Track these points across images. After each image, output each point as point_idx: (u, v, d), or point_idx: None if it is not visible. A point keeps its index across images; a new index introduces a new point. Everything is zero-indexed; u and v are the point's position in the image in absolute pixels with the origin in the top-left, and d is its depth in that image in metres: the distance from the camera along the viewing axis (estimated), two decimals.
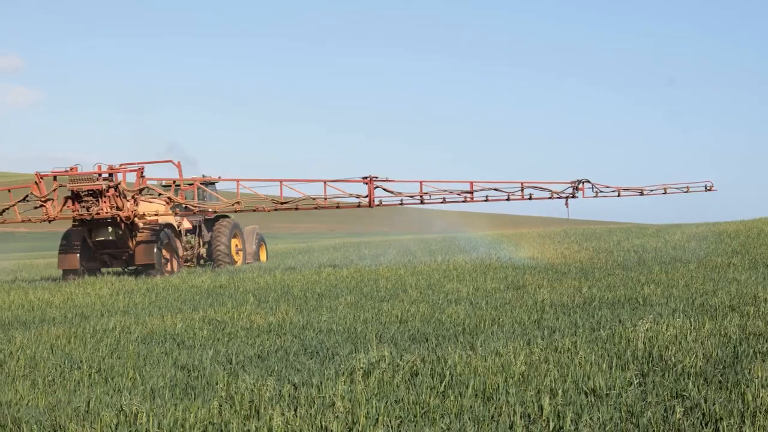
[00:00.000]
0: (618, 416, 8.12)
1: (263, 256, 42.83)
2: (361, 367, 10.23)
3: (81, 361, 12.30)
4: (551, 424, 7.98)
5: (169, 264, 34.53)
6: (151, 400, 9.34)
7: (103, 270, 35.05)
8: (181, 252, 36.15)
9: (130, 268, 34.83)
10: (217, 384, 10.03)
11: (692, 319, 13.12)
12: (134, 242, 33.56)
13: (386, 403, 8.69)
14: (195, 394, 9.71)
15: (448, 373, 9.91)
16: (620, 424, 7.93)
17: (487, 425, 7.98)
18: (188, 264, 37.79)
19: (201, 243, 38.69)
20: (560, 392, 8.86)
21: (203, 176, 36.86)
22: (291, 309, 17.26)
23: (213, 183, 37.54)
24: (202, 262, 38.84)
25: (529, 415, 8.25)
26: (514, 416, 8.20)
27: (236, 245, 39.48)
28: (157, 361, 12.19)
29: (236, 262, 38.84)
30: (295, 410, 8.61)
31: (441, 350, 11.42)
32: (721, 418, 7.90)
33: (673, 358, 10.33)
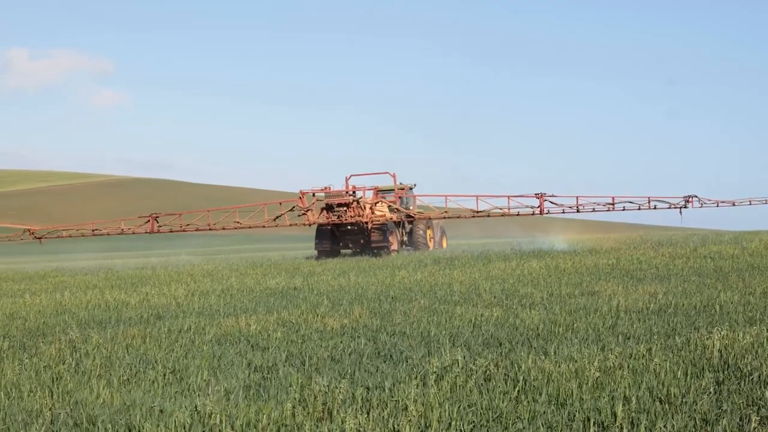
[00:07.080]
0: (692, 424, 8.03)
1: (444, 244, 55.76)
2: (434, 371, 10.23)
3: (156, 361, 12.43)
4: (625, 431, 7.92)
5: (391, 247, 48.12)
6: (224, 401, 9.41)
7: (342, 252, 49.95)
8: (398, 239, 49.90)
9: (357, 249, 49.21)
10: (290, 386, 10.09)
11: None
12: (370, 232, 48.02)
13: (459, 407, 8.69)
14: (268, 396, 9.76)
15: (521, 378, 9.87)
16: None
17: (561, 431, 7.94)
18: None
19: (404, 233, 51.78)
20: (634, 399, 8.79)
21: (399, 183, 52.04)
22: (365, 312, 17.28)
23: (411, 188, 52.36)
24: (403, 246, 51.04)
25: (602, 422, 8.20)
26: (587, 422, 8.15)
27: (429, 234, 52.95)
28: (231, 362, 12.28)
29: (429, 247, 52.21)
30: (368, 413, 8.63)
31: (514, 355, 11.38)
32: None
33: (749, 366, 10.19)
